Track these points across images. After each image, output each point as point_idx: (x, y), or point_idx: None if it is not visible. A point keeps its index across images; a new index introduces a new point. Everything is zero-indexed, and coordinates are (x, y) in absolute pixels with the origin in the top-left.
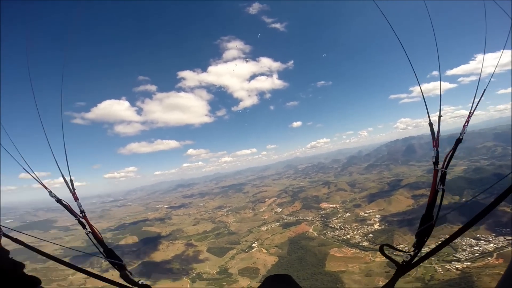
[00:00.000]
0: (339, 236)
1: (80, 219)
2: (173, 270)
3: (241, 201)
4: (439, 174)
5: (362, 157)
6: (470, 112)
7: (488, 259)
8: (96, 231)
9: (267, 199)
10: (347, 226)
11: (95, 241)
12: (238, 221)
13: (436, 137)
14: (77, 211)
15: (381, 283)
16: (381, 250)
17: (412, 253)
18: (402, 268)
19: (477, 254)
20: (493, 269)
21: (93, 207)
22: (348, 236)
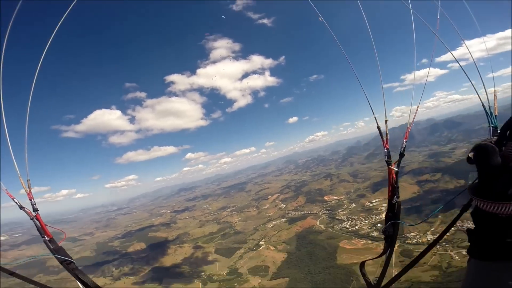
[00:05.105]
0: (347, 228)
1: (33, 218)
2: (184, 273)
3: (244, 200)
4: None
5: (361, 147)
6: (411, 119)
7: None
8: (45, 229)
9: (270, 196)
10: (354, 217)
11: (46, 238)
12: (243, 220)
13: (385, 138)
14: (31, 209)
15: (395, 273)
16: (361, 268)
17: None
18: None
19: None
20: None
21: (98, 216)
22: (357, 227)
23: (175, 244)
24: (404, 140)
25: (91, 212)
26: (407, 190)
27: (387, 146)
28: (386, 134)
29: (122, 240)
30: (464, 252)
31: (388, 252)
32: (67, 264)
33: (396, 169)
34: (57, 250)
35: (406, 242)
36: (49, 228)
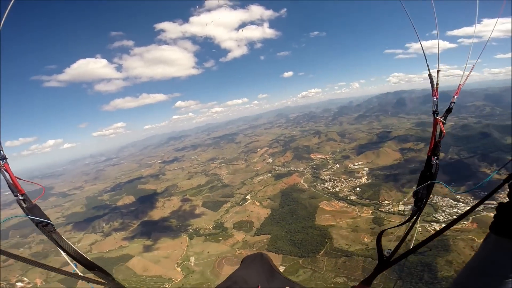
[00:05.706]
0: (329, 189)
1: (1, 169)
2: (172, 227)
3: (233, 152)
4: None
5: (352, 108)
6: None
7: (464, 223)
8: (16, 183)
9: (259, 149)
10: (336, 178)
11: (19, 196)
12: (231, 173)
13: (435, 87)
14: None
15: (366, 240)
16: (378, 238)
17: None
18: (384, 263)
19: (455, 217)
20: (468, 234)
21: (87, 168)
22: (337, 189)
23: (164, 197)
24: (455, 96)
25: (80, 163)
26: (390, 156)
27: (436, 95)
28: (437, 84)
29: (111, 194)
30: (427, 226)
31: (414, 218)
32: (43, 226)
33: (443, 121)
34: (30, 209)
35: (379, 209)
36: (26, 184)
